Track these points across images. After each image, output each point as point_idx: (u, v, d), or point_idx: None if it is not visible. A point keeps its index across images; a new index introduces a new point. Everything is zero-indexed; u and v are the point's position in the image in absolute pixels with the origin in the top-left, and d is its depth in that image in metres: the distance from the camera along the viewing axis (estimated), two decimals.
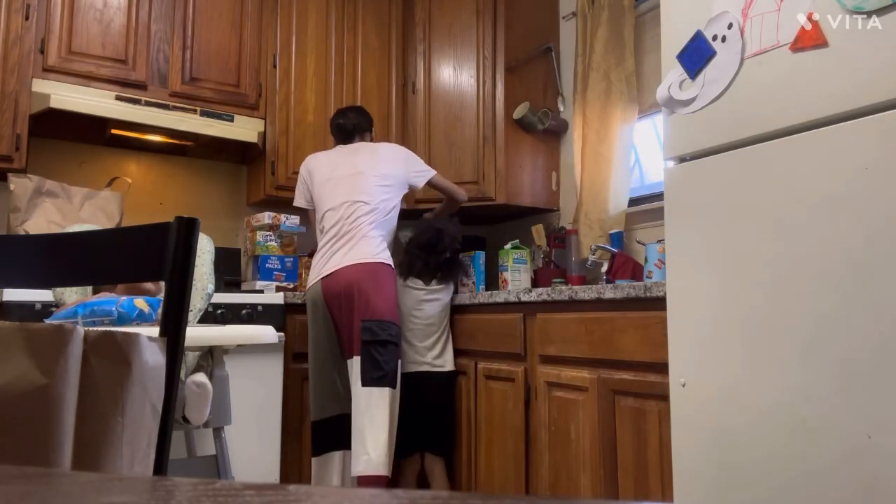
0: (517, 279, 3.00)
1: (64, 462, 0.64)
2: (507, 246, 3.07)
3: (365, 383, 2.31)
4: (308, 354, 2.51)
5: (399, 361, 2.42)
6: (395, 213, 2.61)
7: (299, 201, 2.71)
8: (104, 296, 1.84)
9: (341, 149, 2.70)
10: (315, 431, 2.46)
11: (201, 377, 1.74)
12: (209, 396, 1.73)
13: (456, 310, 2.63)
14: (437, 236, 2.57)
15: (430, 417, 2.52)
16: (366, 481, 2.27)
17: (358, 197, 2.51)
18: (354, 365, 2.34)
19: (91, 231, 0.95)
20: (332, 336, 2.45)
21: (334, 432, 2.43)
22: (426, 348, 2.53)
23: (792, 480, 1.29)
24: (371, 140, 2.78)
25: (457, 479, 2.58)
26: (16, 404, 0.61)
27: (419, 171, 2.71)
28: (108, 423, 0.68)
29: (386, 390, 2.32)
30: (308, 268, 2.82)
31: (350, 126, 2.72)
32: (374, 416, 2.29)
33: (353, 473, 2.31)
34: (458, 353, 2.63)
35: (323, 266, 2.46)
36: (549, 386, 2.18)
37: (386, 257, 2.48)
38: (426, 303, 2.54)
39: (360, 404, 2.32)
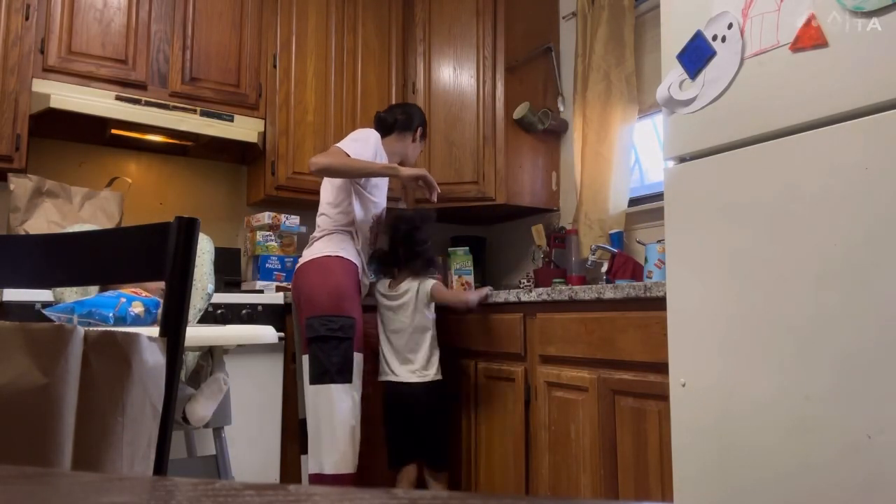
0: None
1: (64, 462, 0.64)
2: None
3: (311, 381, 2.29)
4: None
5: (349, 354, 2.29)
6: (353, 211, 2.45)
7: None
8: (111, 293, 1.83)
9: None
10: (302, 429, 2.46)
11: (222, 379, 1.76)
12: (220, 397, 1.74)
13: (456, 309, 2.62)
14: (411, 225, 2.50)
15: (416, 428, 2.44)
16: (315, 480, 2.24)
17: (321, 198, 2.53)
18: (305, 363, 2.34)
19: (91, 231, 0.95)
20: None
21: None
22: (410, 358, 2.44)
23: (792, 480, 1.29)
24: (413, 140, 2.67)
25: (457, 480, 2.58)
26: (16, 404, 0.61)
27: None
28: (108, 423, 0.68)
29: (330, 387, 2.25)
30: None
31: (390, 119, 2.63)
32: (320, 414, 2.25)
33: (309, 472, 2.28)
34: (458, 353, 2.63)
35: None
36: (549, 386, 2.18)
37: (333, 250, 2.37)
38: (401, 311, 2.46)
39: (308, 403, 2.31)
